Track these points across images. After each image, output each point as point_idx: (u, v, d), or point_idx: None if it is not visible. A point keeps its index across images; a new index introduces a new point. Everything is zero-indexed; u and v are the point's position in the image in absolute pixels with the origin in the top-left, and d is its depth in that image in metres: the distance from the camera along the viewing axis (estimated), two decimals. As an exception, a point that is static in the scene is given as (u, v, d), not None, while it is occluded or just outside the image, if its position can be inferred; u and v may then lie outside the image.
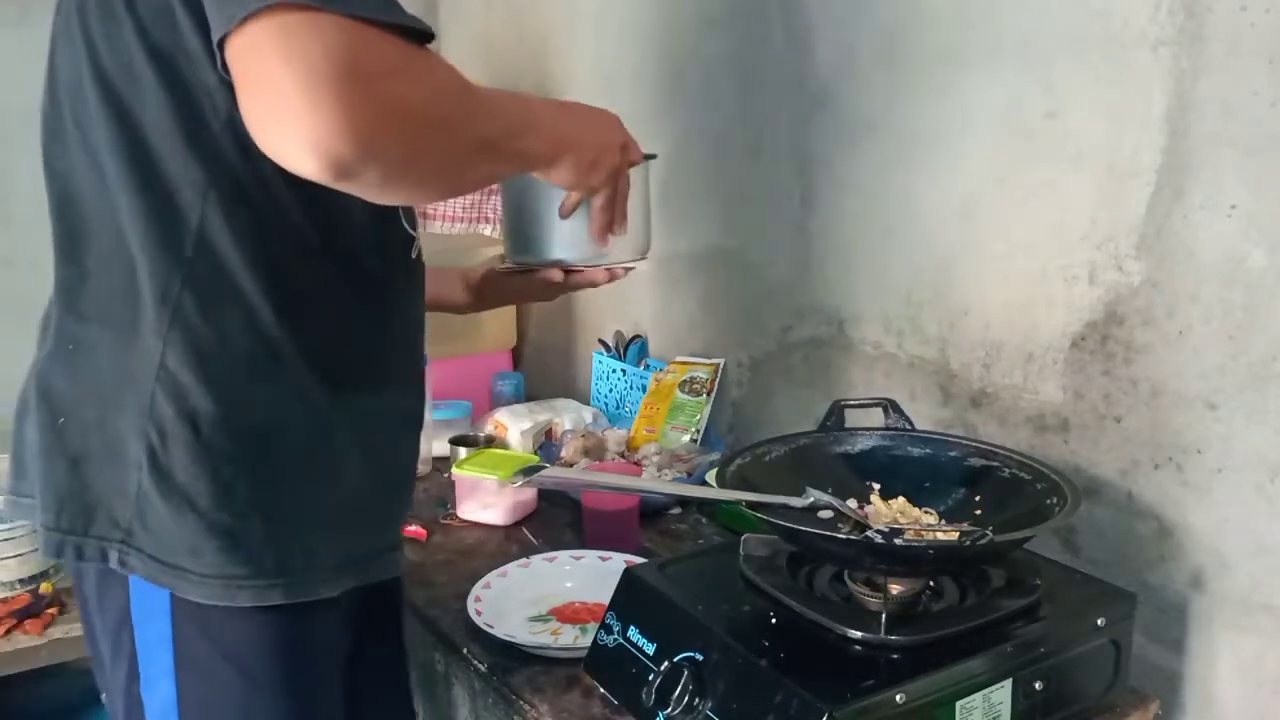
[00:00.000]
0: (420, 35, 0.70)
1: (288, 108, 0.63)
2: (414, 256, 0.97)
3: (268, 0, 0.62)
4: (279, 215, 0.83)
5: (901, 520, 1.03)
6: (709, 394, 1.68)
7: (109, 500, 0.83)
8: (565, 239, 1.03)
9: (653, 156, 1.06)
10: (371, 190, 0.72)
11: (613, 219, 0.99)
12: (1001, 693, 0.91)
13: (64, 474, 0.85)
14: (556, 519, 1.50)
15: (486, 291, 1.23)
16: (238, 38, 0.64)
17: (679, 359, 1.76)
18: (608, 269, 1.07)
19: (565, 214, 0.99)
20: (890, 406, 1.17)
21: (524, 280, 1.14)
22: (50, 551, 0.85)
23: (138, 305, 0.82)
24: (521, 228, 1.06)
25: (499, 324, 2.06)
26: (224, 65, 0.67)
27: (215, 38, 0.66)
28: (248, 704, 0.86)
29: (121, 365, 0.82)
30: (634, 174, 1.02)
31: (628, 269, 1.08)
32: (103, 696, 0.97)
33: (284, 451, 0.85)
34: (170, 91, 0.78)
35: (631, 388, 1.84)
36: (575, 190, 0.96)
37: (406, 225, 0.95)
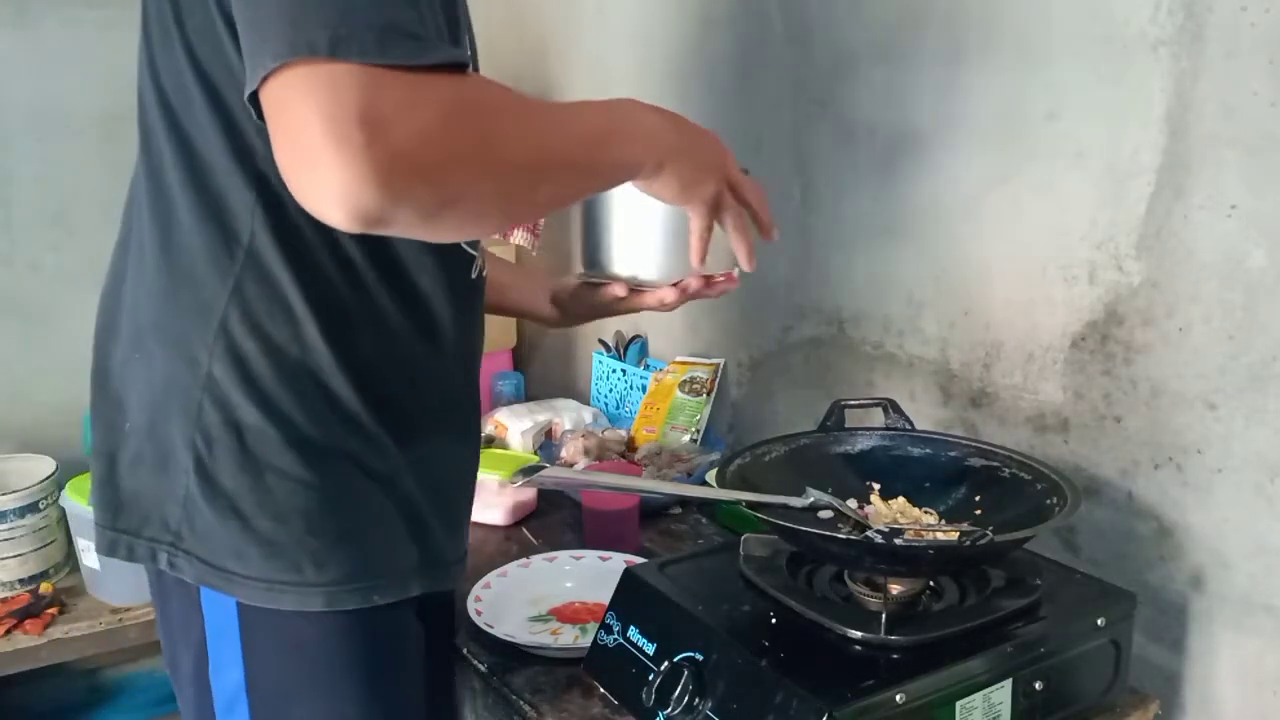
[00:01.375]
0: (452, 67, 0.67)
1: (308, 160, 0.63)
2: (475, 276, 0.95)
3: (284, 57, 0.62)
4: (324, 233, 0.81)
5: (901, 520, 1.03)
6: (709, 394, 1.68)
7: (161, 504, 0.84)
8: (645, 256, 1.02)
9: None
10: (416, 231, 0.70)
11: (708, 240, 0.94)
12: (1001, 693, 0.91)
13: (120, 476, 0.87)
14: (556, 519, 1.50)
15: (569, 306, 1.19)
16: (264, 93, 0.64)
17: (679, 359, 1.76)
18: (683, 289, 1.05)
19: (697, 252, 0.95)
20: (890, 406, 1.17)
21: (600, 296, 1.10)
22: (104, 549, 0.88)
23: (187, 316, 0.83)
24: (599, 240, 1.03)
25: (499, 324, 2.05)
26: (259, 115, 0.66)
27: (246, 94, 0.66)
28: (316, 688, 0.87)
29: (171, 374, 0.83)
30: None
31: (719, 289, 1.08)
32: (174, 687, 0.99)
33: (328, 467, 0.84)
34: (216, 109, 0.79)
35: (631, 388, 1.84)
36: (678, 205, 0.91)
37: (466, 245, 0.92)
